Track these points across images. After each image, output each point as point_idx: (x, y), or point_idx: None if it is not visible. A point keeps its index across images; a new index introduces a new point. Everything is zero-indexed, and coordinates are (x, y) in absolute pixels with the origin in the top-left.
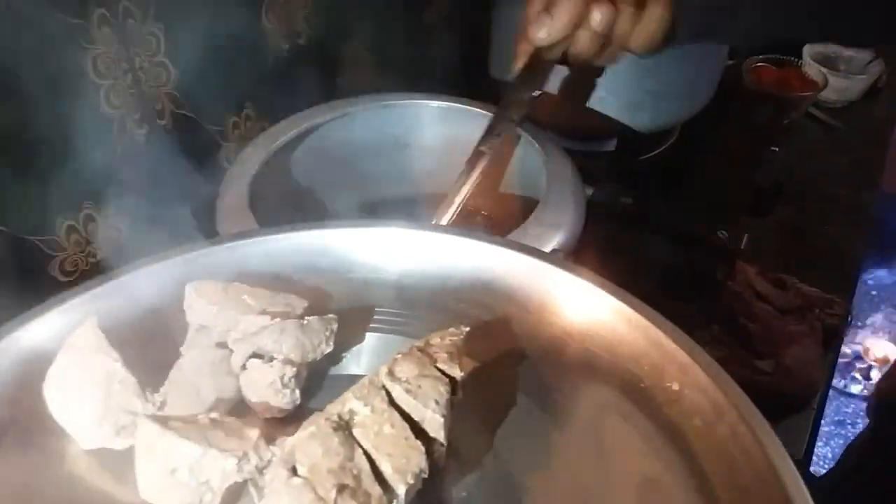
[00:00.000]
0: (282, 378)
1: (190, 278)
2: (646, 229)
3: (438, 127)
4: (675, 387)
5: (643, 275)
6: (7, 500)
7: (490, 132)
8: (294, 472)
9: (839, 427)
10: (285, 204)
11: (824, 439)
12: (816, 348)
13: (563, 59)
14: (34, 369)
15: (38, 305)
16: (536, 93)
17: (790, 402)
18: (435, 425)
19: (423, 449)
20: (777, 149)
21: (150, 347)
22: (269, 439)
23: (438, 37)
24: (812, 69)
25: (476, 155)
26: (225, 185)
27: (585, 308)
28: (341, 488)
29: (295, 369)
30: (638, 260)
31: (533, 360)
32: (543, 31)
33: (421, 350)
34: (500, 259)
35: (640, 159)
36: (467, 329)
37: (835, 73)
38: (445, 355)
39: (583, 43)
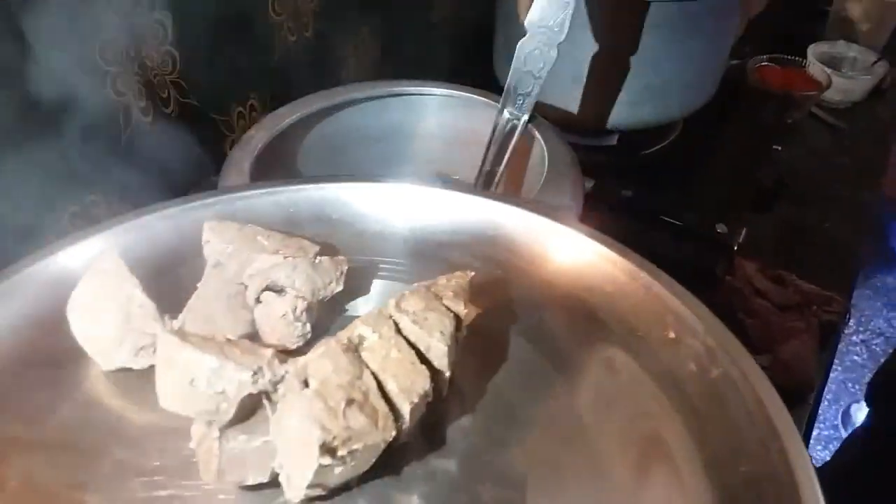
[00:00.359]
0: (294, 310)
1: (206, 220)
2: (645, 223)
3: (441, 115)
4: (672, 335)
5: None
6: (28, 417)
7: (512, 94)
8: (306, 385)
9: (836, 431)
10: None
11: (823, 443)
12: (814, 345)
13: None
14: (59, 294)
15: (59, 240)
16: (560, 39)
17: (787, 398)
18: (439, 353)
19: (427, 373)
20: (780, 147)
21: (168, 280)
22: (283, 359)
23: (444, 32)
24: (816, 69)
25: (508, 121)
26: (226, 168)
27: (587, 261)
28: (350, 401)
29: (306, 302)
30: (637, 253)
31: (535, 309)
32: None
33: (427, 288)
34: (505, 214)
35: (642, 154)
36: (472, 273)
37: (839, 74)
38: (451, 293)
39: None
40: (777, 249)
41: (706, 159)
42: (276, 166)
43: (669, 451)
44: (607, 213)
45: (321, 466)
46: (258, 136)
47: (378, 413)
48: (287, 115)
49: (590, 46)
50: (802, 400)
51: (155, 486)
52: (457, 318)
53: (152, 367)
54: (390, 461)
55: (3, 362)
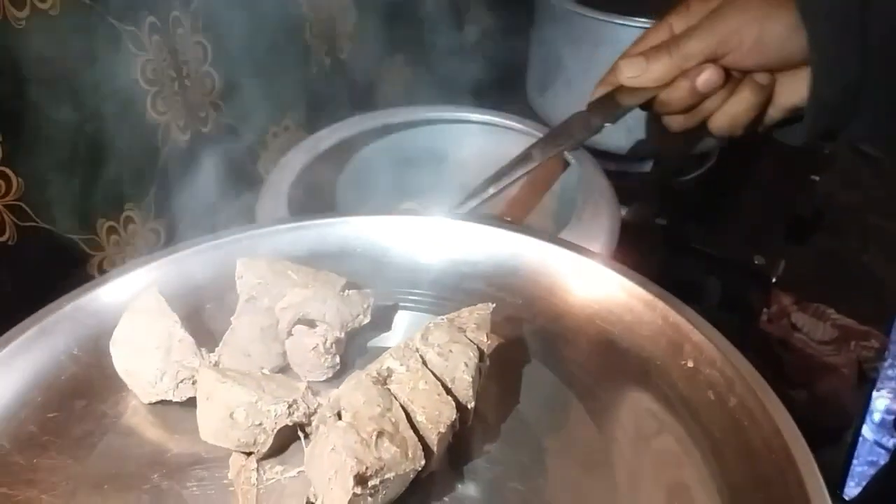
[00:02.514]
0: (324, 342)
1: (238, 256)
2: (680, 252)
3: (475, 141)
4: (690, 364)
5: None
6: (72, 448)
7: (547, 141)
8: (339, 417)
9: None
10: (323, 210)
11: (857, 479)
12: (851, 380)
13: (646, 105)
14: (101, 330)
15: (100, 277)
16: (607, 123)
17: (823, 434)
18: (463, 385)
19: (452, 404)
20: (817, 178)
21: (204, 314)
22: (316, 392)
23: (477, 56)
24: None
25: (525, 156)
26: (264, 191)
27: (607, 292)
28: (381, 433)
29: (336, 335)
30: (671, 282)
31: (556, 339)
32: (631, 73)
33: (451, 321)
34: (525, 246)
35: (677, 181)
36: (494, 305)
37: None
38: (474, 325)
39: (678, 94)
40: (814, 282)
41: (742, 188)
42: (312, 189)
43: (688, 480)
44: (641, 242)
45: (354, 496)
46: (295, 161)
47: (407, 443)
48: (325, 139)
49: None
50: (839, 436)
51: None
52: (479, 349)
53: (191, 399)
54: (418, 489)
55: (48, 395)
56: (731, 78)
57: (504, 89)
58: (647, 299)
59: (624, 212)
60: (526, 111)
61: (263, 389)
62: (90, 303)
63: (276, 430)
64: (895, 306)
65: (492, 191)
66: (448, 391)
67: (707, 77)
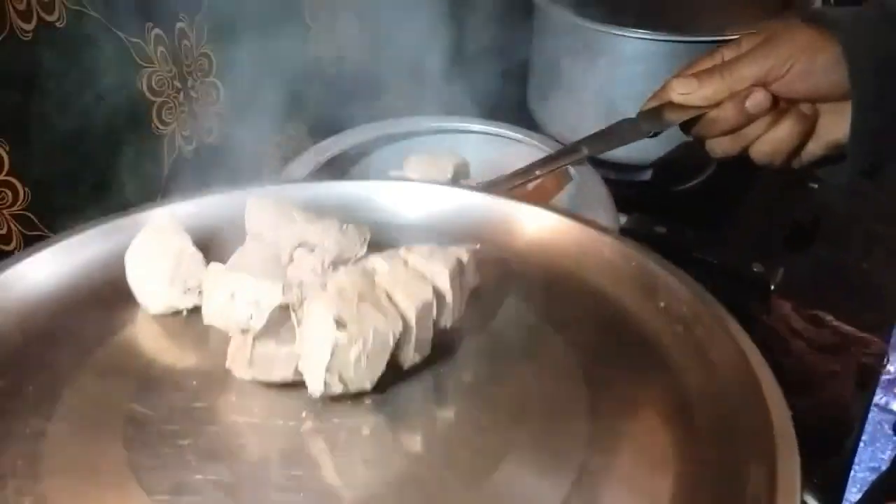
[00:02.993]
0: (322, 263)
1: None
2: (679, 260)
3: (479, 151)
4: (662, 304)
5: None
6: (81, 345)
7: (595, 138)
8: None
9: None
10: None
11: (858, 485)
12: (852, 388)
13: (691, 125)
14: (118, 250)
15: (122, 212)
16: (651, 134)
17: (824, 442)
18: (443, 278)
19: (430, 287)
20: (816, 185)
21: (214, 247)
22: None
23: (480, 65)
24: None
25: (573, 149)
26: None
27: (587, 246)
28: (362, 297)
29: (333, 256)
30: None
31: (538, 283)
32: (683, 90)
33: (434, 244)
34: (507, 209)
35: (676, 190)
36: (478, 246)
37: None
38: (454, 247)
39: (726, 113)
40: (814, 289)
41: (741, 196)
42: None
43: (654, 394)
44: None
45: (336, 345)
46: (298, 171)
47: (388, 311)
48: (327, 150)
49: (624, 80)
50: (840, 444)
51: (194, 398)
52: (459, 260)
53: (193, 313)
54: (402, 376)
55: (63, 302)
56: (778, 105)
57: (505, 99)
58: (625, 252)
59: (623, 220)
60: (527, 121)
61: (263, 274)
62: (112, 229)
63: (270, 308)
64: (895, 313)
65: (532, 174)
66: (427, 282)
67: (756, 99)
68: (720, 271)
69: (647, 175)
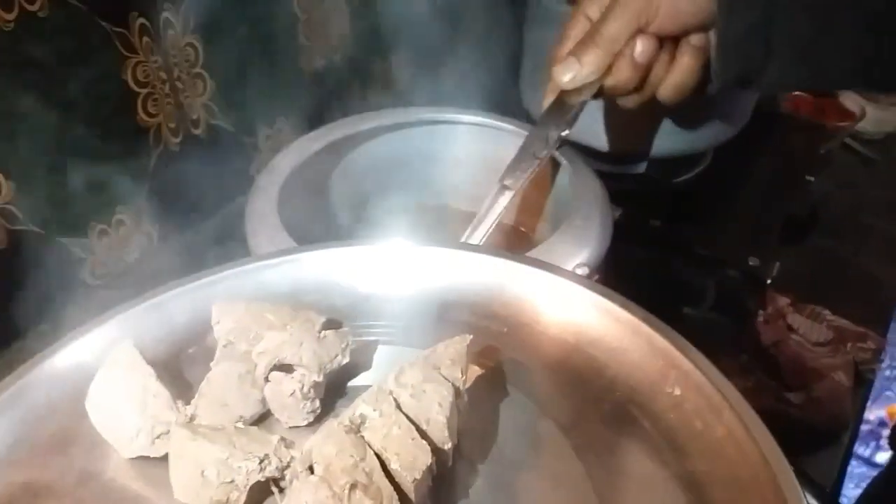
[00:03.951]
0: (301, 388)
1: (214, 298)
2: (674, 254)
3: (468, 142)
4: (677, 392)
5: (671, 300)
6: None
7: (514, 167)
8: (311, 471)
9: (871, 468)
10: (314, 213)
11: (856, 480)
12: (848, 382)
13: (598, 94)
14: (77, 385)
15: (77, 328)
16: (565, 132)
17: (820, 436)
18: (439, 426)
19: (428, 448)
20: (812, 179)
21: (182, 361)
22: (290, 444)
23: (472, 57)
24: (850, 99)
25: (500, 190)
26: (254, 194)
27: (594, 318)
28: (353, 485)
29: (314, 378)
30: (666, 285)
31: (540, 368)
32: (568, 76)
33: (426, 359)
34: (507, 272)
35: (671, 182)
36: (471, 337)
37: (873, 104)
38: (449, 361)
39: (622, 74)
40: (809, 283)
41: (737, 189)
42: (302, 192)
43: None
44: (635, 244)
45: None
46: (285, 162)
47: (382, 494)
48: (314, 141)
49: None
50: (836, 438)
51: None
52: (455, 387)
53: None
54: None
55: (26, 452)
56: (666, 46)
57: (497, 89)
58: (633, 324)
59: (618, 213)
60: (519, 111)
61: (234, 445)
62: (67, 357)
63: (248, 487)
64: (892, 307)
65: (476, 231)
66: (423, 434)
67: (641, 48)
68: (715, 265)
69: (642, 167)
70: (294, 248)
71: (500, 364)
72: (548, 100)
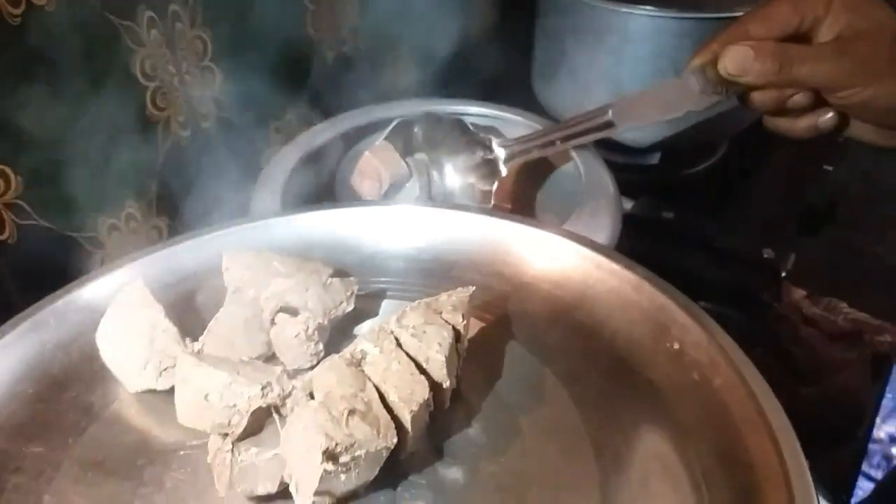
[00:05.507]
0: (306, 330)
1: (224, 249)
2: (688, 246)
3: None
4: (676, 346)
5: (684, 293)
6: (60, 435)
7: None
8: (311, 398)
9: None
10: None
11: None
12: (865, 376)
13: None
14: (87, 324)
15: (90, 273)
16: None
17: (835, 432)
18: (437, 365)
19: (426, 383)
20: (831, 168)
21: (191, 306)
22: (292, 375)
23: (483, 47)
24: None
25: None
26: (259, 186)
27: (597, 277)
28: (352, 411)
29: (318, 322)
30: (678, 277)
31: (542, 323)
32: (736, 65)
33: (428, 305)
34: (510, 232)
35: (685, 173)
36: (473, 289)
37: None
38: (450, 307)
39: (764, 98)
40: (826, 275)
41: (752, 180)
42: (308, 184)
43: (667, 462)
44: (647, 236)
45: (326, 473)
46: (292, 154)
47: (380, 421)
48: (321, 133)
49: (631, 60)
50: (852, 434)
51: (178, 499)
52: (455, 330)
53: (174, 387)
54: (398, 470)
55: (39, 387)
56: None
57: (509, 81)
58: (634, 282)
59: (630, 205)
60: (531, 102)
61: (238, 373)
62: (80, 297)
63: (249, 412)
64: None
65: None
66: (422, 371)
67: (820, 120)
68: (730, 257)
69: (655, 158)
70: (304, 206)
71: (503, 318)
72: (697, 59)
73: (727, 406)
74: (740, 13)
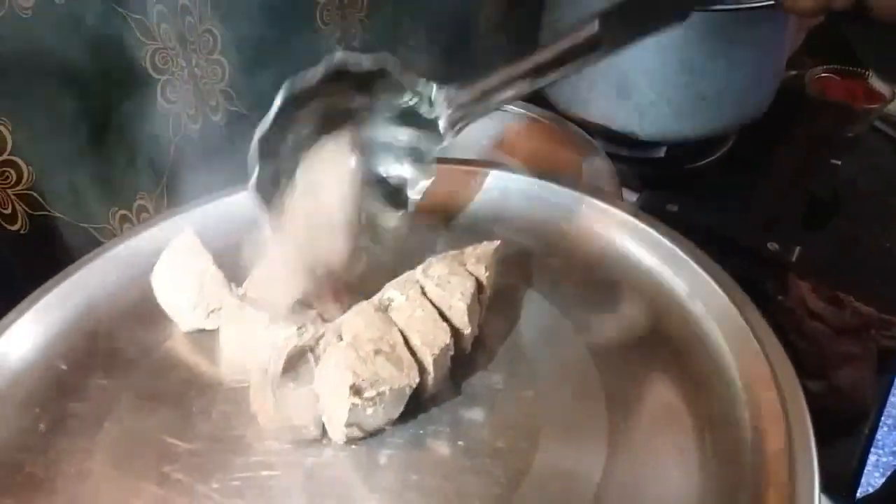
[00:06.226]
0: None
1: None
2: (692, 238)
3: (481, 126)
4: (689, 298)
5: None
6: (118, 368)
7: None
8: (340, 339)
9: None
10: None
11: (882, 469)
12: (871, 371)
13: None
14: (143, 267)
15: (144, 222)
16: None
17: (839, 425)
18: (459, 312)
19: (447, 329)
20: (839, 162)
21: (237, 256)
22: (325, 319)
23: (490, 41)
24: (879, 81)
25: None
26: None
27: (619, 236)
28: (377, 351)
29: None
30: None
31: (566, 279)
32: None
33: (453, 257)
34: (540, 191)
35: (691, 167)
36: (498, 242)
37: None
38: (474, 260)
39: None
40: (833, 269)
41: (759, 173)
42: None
43: (673, 407)
44: None
45: (353, 406)
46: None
47: (403, 362)
48: None
49: (637, 52)
50: (857, 428)
51: (226, 427)
52: (478, 281)
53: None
54: (422, 409)
55: (100, 323)
56: None
57: None
58: (656, 241)
59: (635, 198)
60: (536, 95)
61: (277, 314)
62: (138, 242)
63: (286, 351)
64: None
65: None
66: (445, 318)
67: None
68: (734, 250)
69: (661, 152)
70: None
71: (527, 271)
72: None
73: (735, 353)
74: (747, 6)
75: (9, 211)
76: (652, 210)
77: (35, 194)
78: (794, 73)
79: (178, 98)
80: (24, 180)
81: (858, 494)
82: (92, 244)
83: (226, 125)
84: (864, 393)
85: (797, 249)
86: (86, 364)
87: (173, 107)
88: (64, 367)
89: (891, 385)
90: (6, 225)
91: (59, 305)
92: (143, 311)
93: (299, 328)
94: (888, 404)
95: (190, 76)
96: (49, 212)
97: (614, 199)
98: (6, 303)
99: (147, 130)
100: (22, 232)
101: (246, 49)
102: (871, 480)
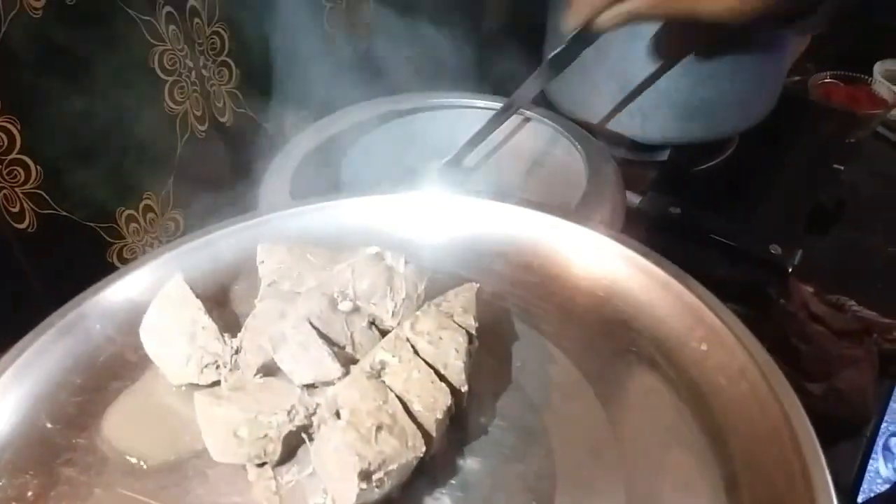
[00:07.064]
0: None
1: (260, 238)
2: (695, 242)
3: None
4: (704, 347)
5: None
6: (112, 424)
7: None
8: (338, 415)
9: None
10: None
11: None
12: (872, 374)
13: None
14: (131, 315)
15: (129, 263)
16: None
17: (840, 429)
18: (456, 370)
19: (447, 390)
20: (842, 167)
21: (231, 296)
22: (311, 392)
23: (496, 45)
24: (882, 87)
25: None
26: (268, 176)
27: (624, 272)
28: (379, 427)
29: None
30: (686, 273)
31: (568, 318)
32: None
33: (437, 307)
34: (541, 225)
35: (694, 170)
36: (478, 285)
37: None
38: (461, 309)
39: None
40: (835, 273)
41: (762, 177)
42: (315, 176)
43: (692, 465)
44: (655, 231)
45: (361, 490)
46: (302, 145)
47: (406, 433)
48: (331, 125)
49: (639, 55)
50: (858, 431)
51: (221, 493)
52: (468, 333)
53: (216, 382)
54: (423, 472)
55: (86, 377)
56: None
57: (520, 76)
58: (663, 280)
59: (638, 201)
60: (540, 98)
61: (259, 402)
62: (123, 288)
63: (282, 438)
64: None
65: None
66: (441, 377)
67: None
68: (737, 253)
69: (664, 155)
70: (336, 194)
71: (529, 311)
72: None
73: (753, 414)
74: None
75: (17, 209)
76: (655, 212)
77: (43, 193)
78: (796, 78)
79: (186, 99)
80: (32, 179)
81: (859, 500)
82: (99, 243)
83: (233, 127)
84: (866, 396)
85: (799, 253)
86: (73, 422)
87: (180, 108)
88: (48, 424)
89: (892, 388)
90: (14, 223)
91: (39, 363)
92: (132, 363)
93: (289, 411)
94: (889, 410)
95: (197, 77)
96: (56, 210)
97: (621, 236)
98: (13, 301)
99: (154, 131)
100: (30, 230)
101: (253, 52)
102: (874, 487)
